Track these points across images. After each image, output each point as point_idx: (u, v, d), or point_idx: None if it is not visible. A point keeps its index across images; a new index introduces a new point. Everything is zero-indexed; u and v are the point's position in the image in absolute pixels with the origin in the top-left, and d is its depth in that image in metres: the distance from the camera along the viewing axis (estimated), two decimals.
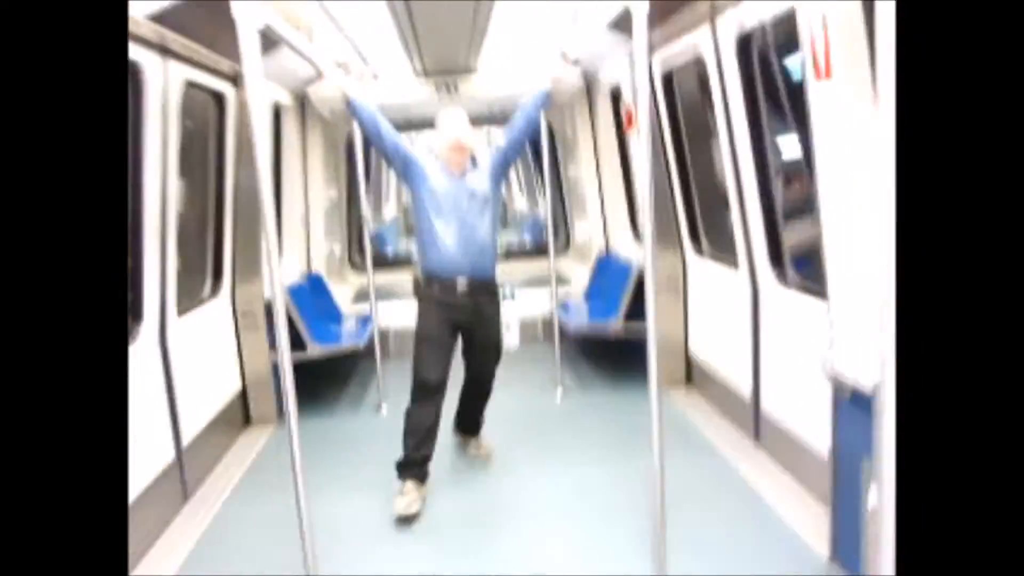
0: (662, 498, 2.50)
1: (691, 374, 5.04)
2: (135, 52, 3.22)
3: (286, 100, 5.81)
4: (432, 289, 3.61)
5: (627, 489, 3.47)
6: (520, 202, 15.15)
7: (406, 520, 3.36)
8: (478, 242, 3.60)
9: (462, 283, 3.58)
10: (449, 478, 3.86)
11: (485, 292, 3.68)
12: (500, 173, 3.74)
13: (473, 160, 3.68)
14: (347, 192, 7.22)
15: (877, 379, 1.53)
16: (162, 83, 3.54)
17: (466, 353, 3.84)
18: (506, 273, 4.71)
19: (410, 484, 3.50)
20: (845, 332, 2.73)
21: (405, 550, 3.16)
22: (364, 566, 3.02)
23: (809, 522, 3.09)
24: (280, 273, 2.42)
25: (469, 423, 4.12)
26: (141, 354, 3.45)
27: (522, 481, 3.77)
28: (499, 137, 5.08)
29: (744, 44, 3.52)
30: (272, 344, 4.82)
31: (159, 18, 3.25)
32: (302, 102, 6.10)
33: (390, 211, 14.80)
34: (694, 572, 2.73)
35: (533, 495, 3.60)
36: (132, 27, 3.05)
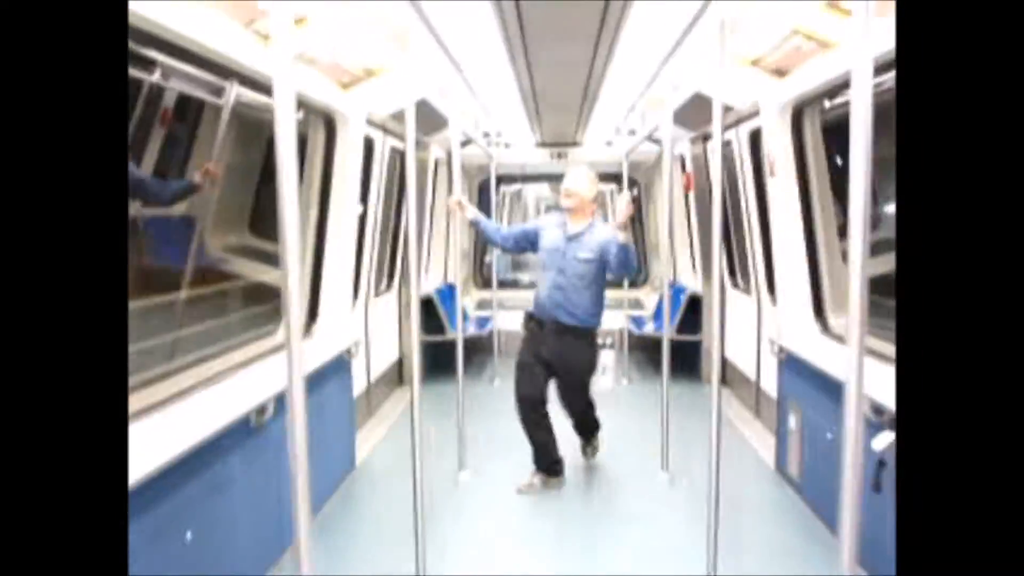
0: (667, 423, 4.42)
1: (725, 374, 6.71)
2: (371, 131, 5.33)
3: (442, 156, 8.00)
4: (530, 324, 4.37)
5: (655, 432, 5.25)
6: None
7: (520, 492, 4.33)
8: (572, 294, 4.14)
9: (550, 326, 4.21)
10: None
11: (571, 335, 4.19)
12: (604, 255, 4.13)
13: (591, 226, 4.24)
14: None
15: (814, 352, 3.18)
16: (381, 149, 5.70)
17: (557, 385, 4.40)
18: None
19: (538, 476, 4.38)
20: (786, 323, 4.47)
21: (506, 456, 5.00)
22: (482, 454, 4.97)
23: (767, 452, 4.80)
24: (456, 274, 4.41)
25: (578, 430, 4.76)
26: (355, 315, 5.53)
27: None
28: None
29: (754, 138, 5.30)
30: (422, 328, 6.96)
31: None
32: (449, 158, 8.23)
33: None
34: (687, 464, 4.55)
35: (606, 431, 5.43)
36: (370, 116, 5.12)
